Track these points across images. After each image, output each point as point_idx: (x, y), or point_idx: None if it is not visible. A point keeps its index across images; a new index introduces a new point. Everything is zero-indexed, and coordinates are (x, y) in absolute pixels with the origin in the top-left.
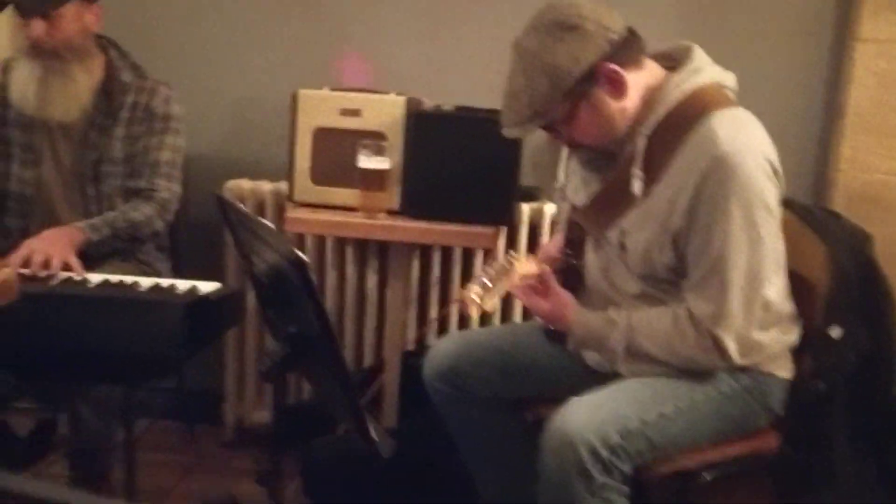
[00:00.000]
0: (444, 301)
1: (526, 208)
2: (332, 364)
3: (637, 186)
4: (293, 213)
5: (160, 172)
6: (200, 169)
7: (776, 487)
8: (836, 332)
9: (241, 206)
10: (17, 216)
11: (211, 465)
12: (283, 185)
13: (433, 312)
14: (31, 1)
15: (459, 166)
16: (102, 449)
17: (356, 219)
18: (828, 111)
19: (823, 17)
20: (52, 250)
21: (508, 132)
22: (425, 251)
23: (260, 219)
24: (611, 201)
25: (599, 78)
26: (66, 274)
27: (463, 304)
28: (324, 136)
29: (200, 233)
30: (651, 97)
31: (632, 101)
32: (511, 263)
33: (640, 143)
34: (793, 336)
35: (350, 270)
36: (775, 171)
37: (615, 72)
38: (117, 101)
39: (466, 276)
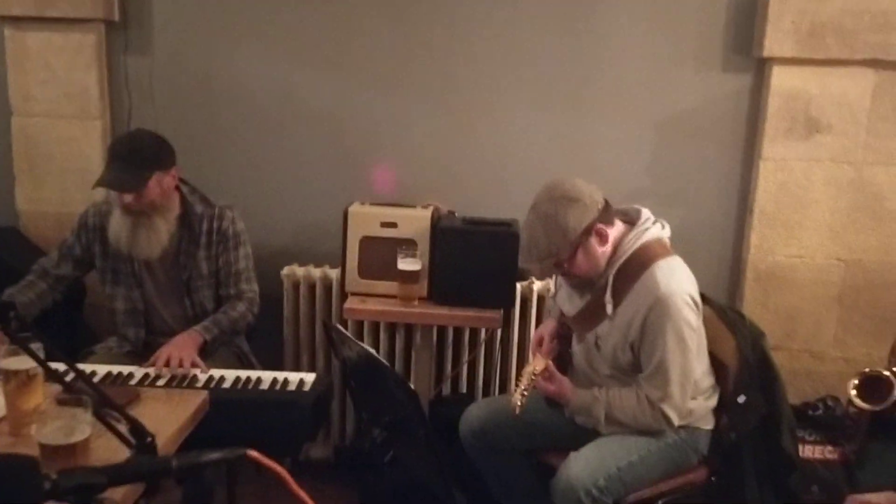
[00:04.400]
0: (455, 362)
1: (521, 287)
2: (426, 452)
3: (608, 308)
4: (349, 304)
5: (242, 278)
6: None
7: None
8: (741, 398)
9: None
10: (132, 326)
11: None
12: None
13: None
14: (120, 183)
15: (472, 264)
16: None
17: (396, 307)
18: (741, 210)
19: (736, 142)
20: (182, 353)
21: (529, 267)
22: (441, 328)
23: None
24: (590, 315)
25: (592, 233)
26: (195, 370)
27: (512, 406)
28: (368, 242)
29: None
30: (618, 246)
31: (609, 246)
32: (530, 365)
33: (610, 279)
34: (713, 401)
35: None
36: (695, 302)
37: (602, 229)
38: (196, 229)
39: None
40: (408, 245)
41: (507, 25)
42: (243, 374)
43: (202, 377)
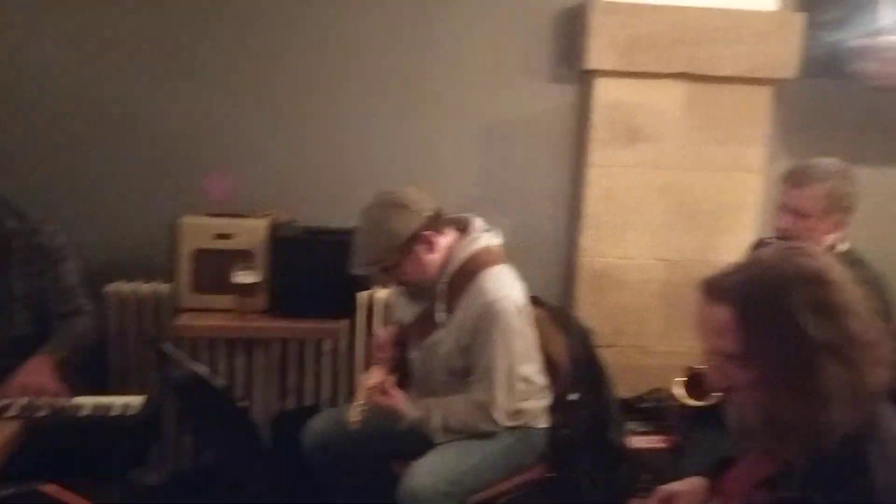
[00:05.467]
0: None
1: (362, 296)
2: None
3: (440, 317)
4: (182, 320)
5: (77, 293)
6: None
7: (546, 501)
8: (573, 396)
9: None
10: None
11: None
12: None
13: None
14: None
15: (313, 274)
16: None
17: (233, 322)
18: (572, 215)
19: (566, 150)
20: (39, 380)
21: (357, 271)
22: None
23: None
24: (425, 323)
25: (420, 240)
26: (61, 400)
27: (349, 420)
28: (201, 255)
29: None
30: (449, 254)
31: (439, 254)
32: (365, 378)
33: (442, 288)
34: (546, 400)
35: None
36: (521, 307)
37: (431, 236)
38: (7, 247)
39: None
40: (244, 257)
41: (344, 32)
42: (63, 400)
43: (15, 406)
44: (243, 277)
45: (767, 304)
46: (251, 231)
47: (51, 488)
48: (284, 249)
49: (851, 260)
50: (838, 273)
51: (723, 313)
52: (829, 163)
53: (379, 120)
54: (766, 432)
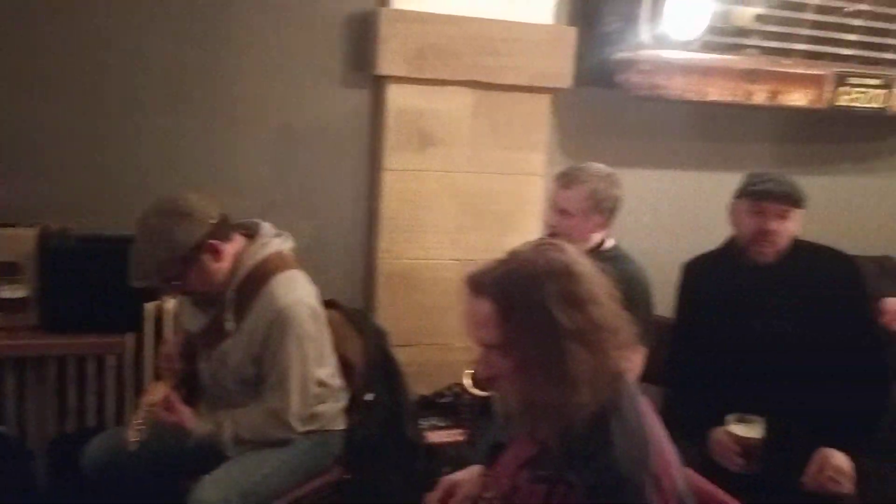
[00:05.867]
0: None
1: (150, 307)
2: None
3: (229, 326)
4: None
5: None
6: None
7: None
8: (370, 396)
9: None
10: None
11: None
12: None
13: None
14: None
15: (90, 286)
16: None
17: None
18: (370, 218)
19: (361, 153)
20: None
21: (137, 284)
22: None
23: None
24: (213, 332)
25: (204, 249)
26: None
27: (127, 441)
28: None
29: None
30: (237, 261)
31: (226, 262)
32: (147, 395)
33: (230, 296)
34: (343, 402)
35: None
36: (314, 311)
37: (216, 245)
38: None
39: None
40: (9, 269)
41: (140, 31)
42: None
43: None
44: (9, 292)
45: (522, 296)
46: (17, 241)
47: None
48: (56, 260)
49: (613, 256)
50: (584, 266)
51: (484, 306)
52: (595, 167)
53: (166, 121)
54: (526, 415)
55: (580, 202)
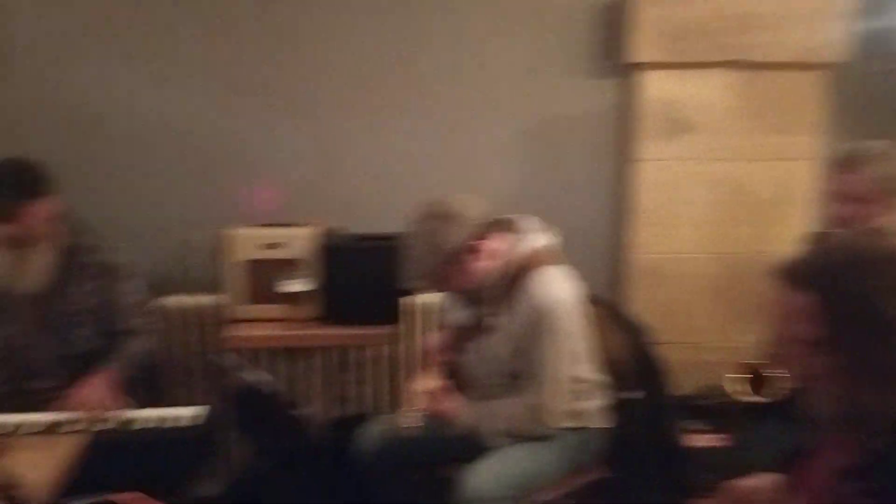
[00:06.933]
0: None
1: (407, 302)
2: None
3: (491, 321)
4: (234, 331)
5: (134, 313)
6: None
7: (606, 501)
8: (631, 394)
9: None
10: (3, 367)
11: None
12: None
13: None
14: None
15: (361, 281)
16: None
17: (283, 331)
18: (619, 211)
19: (609, 145)
20: (101, 396)
21: (413, 284)
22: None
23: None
24: (477, 328)
25: (470, 249)
26: (120, 414)
27: (404, 426)
28: (251, 266)
29: None
30: (500, 259)
31: (489, 260)
32: (417, 384)
33: (493, 292)
34: (605, 400)
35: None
36: (572, 308)
37: (481, 245)
38: (77, 262)
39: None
40: (293, 266)
41: (378, 40)
42: (122, 414)
43: (82, 420)
44: (292, 286)
45: (852, 289)
46: (300, 239)
47: (117, 499)
48: (337, 256)
49: None
50: None
51: (805, 299)
52: (880, 145)
53: (420, 124)
54: (850, 420)
55: (871, 184)
